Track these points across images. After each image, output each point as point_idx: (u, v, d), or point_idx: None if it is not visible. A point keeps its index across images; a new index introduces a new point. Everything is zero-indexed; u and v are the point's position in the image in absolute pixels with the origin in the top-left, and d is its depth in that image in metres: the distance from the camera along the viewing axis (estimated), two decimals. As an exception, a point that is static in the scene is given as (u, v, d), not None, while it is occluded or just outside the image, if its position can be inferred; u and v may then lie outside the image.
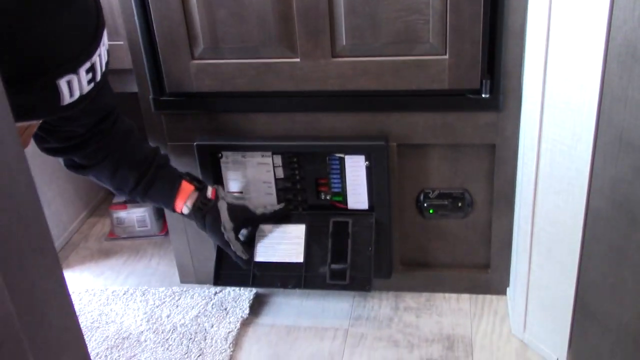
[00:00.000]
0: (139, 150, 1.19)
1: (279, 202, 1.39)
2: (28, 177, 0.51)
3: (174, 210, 1.22)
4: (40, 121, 0.94)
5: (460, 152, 1.31)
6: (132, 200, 1.28)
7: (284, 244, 1.38)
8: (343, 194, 1.38)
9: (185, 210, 1.23)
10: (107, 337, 1.39)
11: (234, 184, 1.41)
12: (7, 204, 0.48)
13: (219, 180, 1.40)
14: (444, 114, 1.26)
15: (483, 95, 1.21)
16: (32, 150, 0.94)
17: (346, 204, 1.38)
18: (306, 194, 1.40)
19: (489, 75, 1.20)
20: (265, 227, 1.38)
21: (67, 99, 0.81)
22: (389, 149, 1.30)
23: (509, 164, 1.28)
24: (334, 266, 1.35)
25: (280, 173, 1.38)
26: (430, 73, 1.20)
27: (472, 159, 1.32)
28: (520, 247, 1.23)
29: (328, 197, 1.39)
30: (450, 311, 1.40)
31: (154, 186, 1.19)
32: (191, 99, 1.32)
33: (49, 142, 1.08)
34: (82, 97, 0.83)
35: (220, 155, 1.38)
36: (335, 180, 1.37)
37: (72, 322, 0.57)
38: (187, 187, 1.21)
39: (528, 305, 1.24)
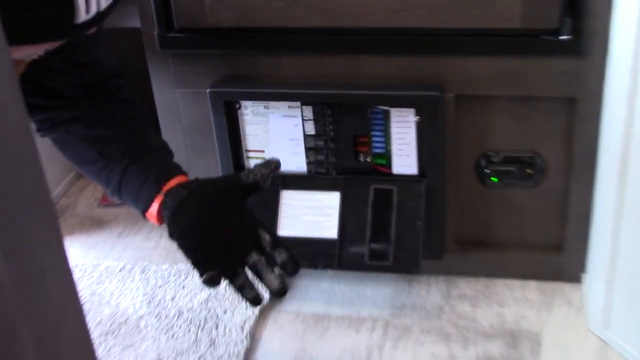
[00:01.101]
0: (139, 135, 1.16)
1: (308, 163, 1.41)
2: (24, 120, 0.53)
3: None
4: (40, 52, 0.96)
5: (531, 106, 1.31)
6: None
7: (314, 215, 1.40)
8: (387, 155, 1.39)
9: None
10: (101, 321, 1.42)
11: (253, 141, 1.43)
12: (2, 151, 0.50)
13: (236, 136, 1.42)
14: (514, 59, 1.26)
15: (562, 37, 1.21)
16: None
17: (390, 167, 1.39)
18: (342, 154, 1.41)
19: (570, 12, 1.19)
20: (289, 193, 1.41)
21: (82, 15, 0.83)
22: (444, 100, 1.30)
23: (592, 123, 1.28)
24: (374, 244, 1.36)
25: (310, 128, 1.39)
26: (497, 8, 1.20)
27: (546, 116, 1.32)
28: (602, 225, 1.22)
29: (368, 159, 1.41)
30: (514, 301, 1.40)
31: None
32: (205, 35, 1.33)
33: (30, 96, 1.10)
34: (99, 15, 0.85)
35: (238, 105, 1.39)
36: (378, 139, 1.38)
37: (71, 296, 0.60)
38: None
39: (611, 296, 1.24)
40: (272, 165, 1.09)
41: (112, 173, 1.10)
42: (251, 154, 1.44)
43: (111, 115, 1.15)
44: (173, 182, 1.09)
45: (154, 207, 1.08)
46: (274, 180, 1.31)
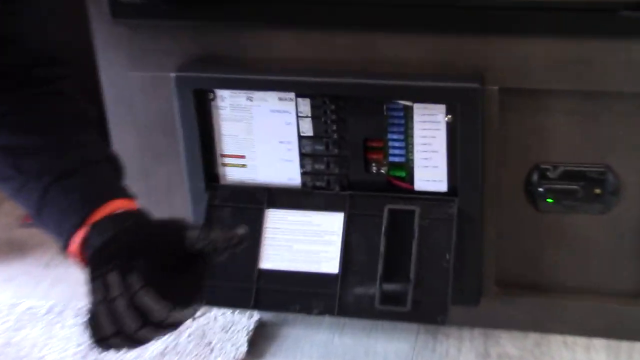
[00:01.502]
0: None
1: (303, 174, 1.39)
2: None
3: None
4: None
5: (602, 105, 1.27)
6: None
7: (309, 242, 1.37)
8: (407, 166, 1.36)
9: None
10: (18, 381, 1.36)
11: (232, 143, 1.39)
12: None
13: (208, 136, 1.40)
14: (579, 40, 1.22)
15: (647, 13, 1.17)
16: None
17: (412, 182, 1.36)
18: (348, 163, 1.38)
19: (659, -23, 1.15)
20: (277, 214, 1.39)
21: None
22: (485, 95, 1.27)
23: (684, 128, 1.23)
24: (387, 283, 1.32)
25: (307, 128, 1.36)
26: (561, -29, 1.16)
27: (622, 118, 1.28)
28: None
29: (383, 171, 1.37)
30: (574, 365, 1.34)
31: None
32: (171, 2, 1.31)
33: None
34: None
35: (212, 95, 1.36)
36: (396, 144, 1.35)
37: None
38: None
39: None
40: (235, 239, 1.00)
41: (31, 194, 1.06)
42: (228, 160, 1.41)
43: (36, 115, 1.10)
44: (103, 212, 1.02)
45: (75, 243, 1.02)
46: (257, 196, 1.35)
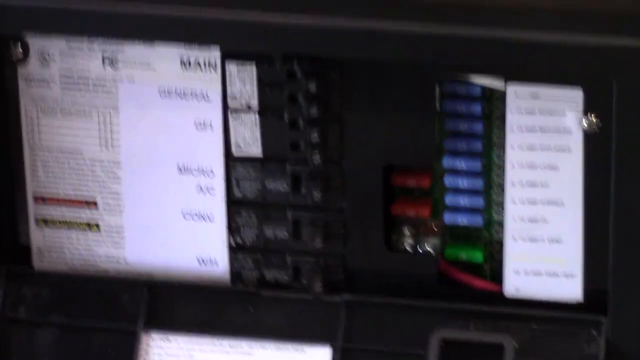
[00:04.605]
0: None
1: (235, 252, 1.01)
2: None
3: None
4: None
5: None
6: None
7: None
8: (488, 238, 0.96)
9: None
10: None
11: (66, 170, 1.01)
12: None
13: (4, 148, 1.05)
14: None
15: None
16: None
17: (498, 277, 0.95)
18: (343, 229, 0.98)
19: None
20: (168, 346, 0.95)
21: None
22: None
23: None
24: None
25: (247, 136, 0.99)
26: None
27: None
28: None
29: (428, 248, 0.97)
30: None
31: None
32: None
33: None
34: None
35: (15, 48, 0.99)
36: (463, 181, 0.93)
37: None
38: None
39: None
40: None
41: None
42: (55, 211, 1.00)
43: None
44: None
45: None
46: (123, 301, 1.12)
